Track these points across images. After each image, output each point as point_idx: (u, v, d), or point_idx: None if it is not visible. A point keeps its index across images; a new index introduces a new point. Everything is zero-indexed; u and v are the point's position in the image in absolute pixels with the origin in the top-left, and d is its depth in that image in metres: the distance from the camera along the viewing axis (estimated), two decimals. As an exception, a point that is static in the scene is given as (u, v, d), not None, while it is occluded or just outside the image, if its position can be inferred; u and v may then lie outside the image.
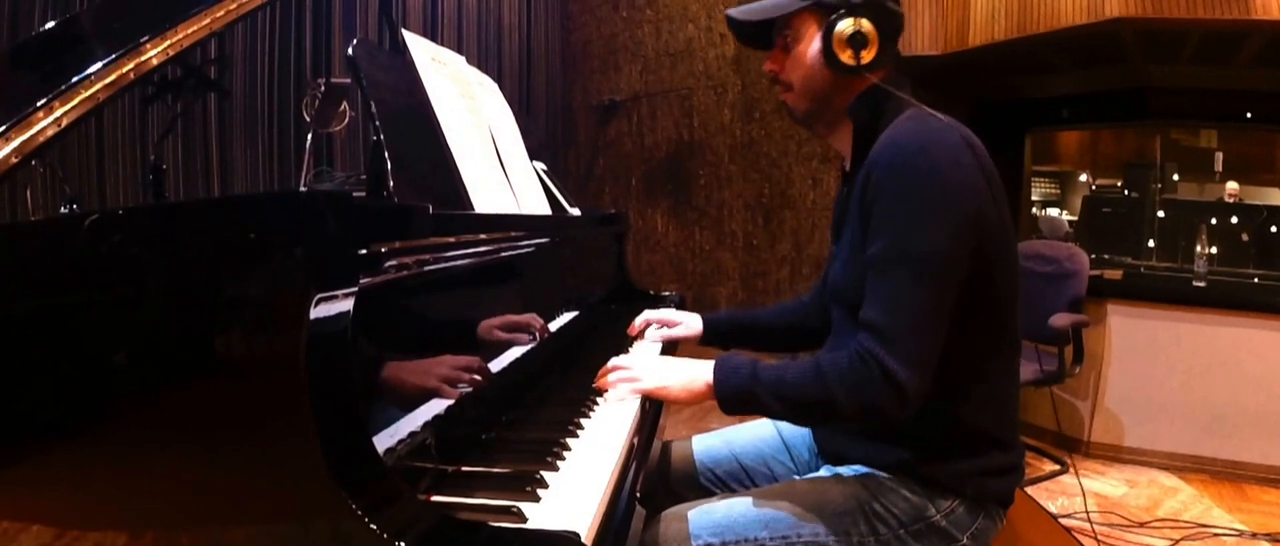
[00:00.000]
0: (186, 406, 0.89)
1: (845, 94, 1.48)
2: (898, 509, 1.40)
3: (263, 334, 0.87)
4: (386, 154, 1.30)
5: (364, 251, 0.96)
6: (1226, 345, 3.72)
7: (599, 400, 1.53)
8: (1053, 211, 5.00)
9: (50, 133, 1.15)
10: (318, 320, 0.86)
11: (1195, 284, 4.03)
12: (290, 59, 3.09)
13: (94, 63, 1.20)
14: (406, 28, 1.62)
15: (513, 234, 1.55)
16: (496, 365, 1.44)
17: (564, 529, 0.96)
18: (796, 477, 1.62)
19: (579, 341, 2.04)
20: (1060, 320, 3.41)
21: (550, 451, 1.24)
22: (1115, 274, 4.28)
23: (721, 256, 5.55)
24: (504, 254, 1.51)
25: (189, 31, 1.29)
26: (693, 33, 5.54)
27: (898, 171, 1.30)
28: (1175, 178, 4.60)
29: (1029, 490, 3.41)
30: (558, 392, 1.61)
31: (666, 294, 2.74)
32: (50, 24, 1.34)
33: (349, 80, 1.88)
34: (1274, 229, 4.32)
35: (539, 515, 1.03)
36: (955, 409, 1.38)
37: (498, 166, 1.73)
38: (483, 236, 1.39)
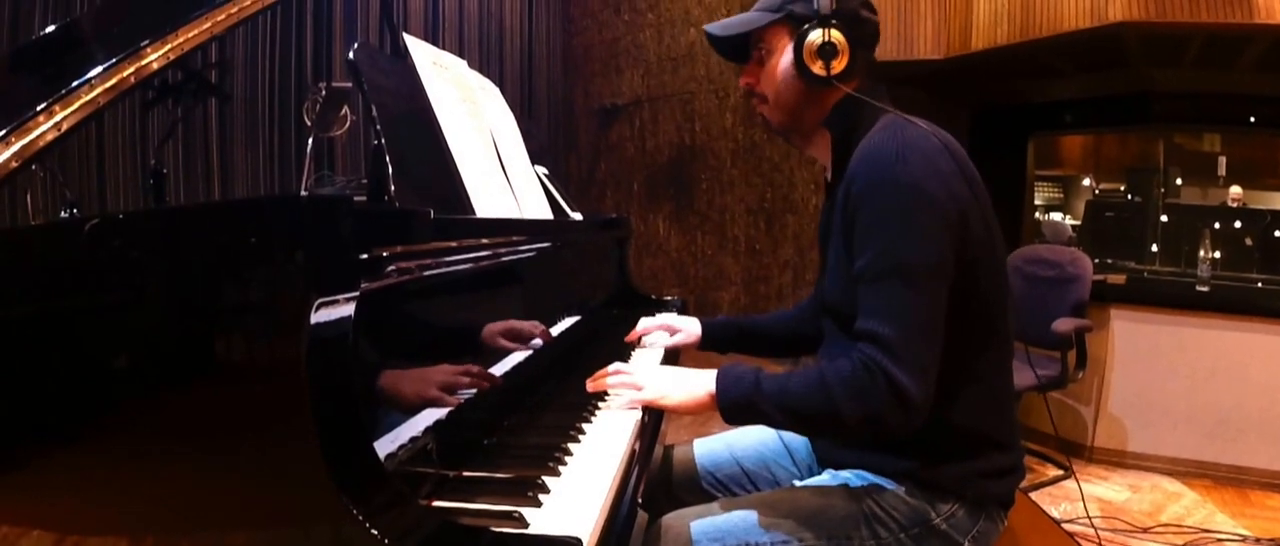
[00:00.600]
0: (187, 411, 0.88)
1: (820, 105, 1.49)
2: (898, 513, 1.40)
3: (264, 338, 0.87)
4: (388, 158, 1.30)
5: (365, 256, 0.95)
6: (1230, 350, 3.71)
7: (600, 405, 1.53)
8: (1056, 216, 4.99)
9: (50, 137, 1.15)
10: (318, 324, 0.86)
11: (1198, 288, 4.02)
12: (291, 63, 3.09)
13: (94, 66, 1.20)
14: (408, 31, 1.62)
15: (514, 238, 1.54)
16: (498, 370, 1.44)
17: (566, 534, 0.96)
18: (798, 482, 1.61)
19: (580, 346, 2.03)
20: (1063, 325, 3.40)
21: (552, 456, 1.24)
22: (1118, 278, 4.27)
23: (723, 261, 5.55)
24: (505, 259, 1.51)
25: (189, 35, 1.29)
26: (694, 37, 5.55)
27: (877, 182, 1.30)
28: (1178, 182, 4.59)
29: (1032, 495, 3.40)
30: (559, 398, 1.60)
31: (668, 299, 2.73)
32: (50, 27, 1.34)
33: (350, 84, 1.88)
34: (1277, 233, 4.31)
35: (541, 520, 1.03)
36: (952, 411, 1.37)
37: (499, 170, 1.73)
38: (484, 241, 1.39)
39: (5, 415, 0.94)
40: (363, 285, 0.94)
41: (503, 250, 1.48)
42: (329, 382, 0.86)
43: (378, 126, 1.32)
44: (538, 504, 1.07)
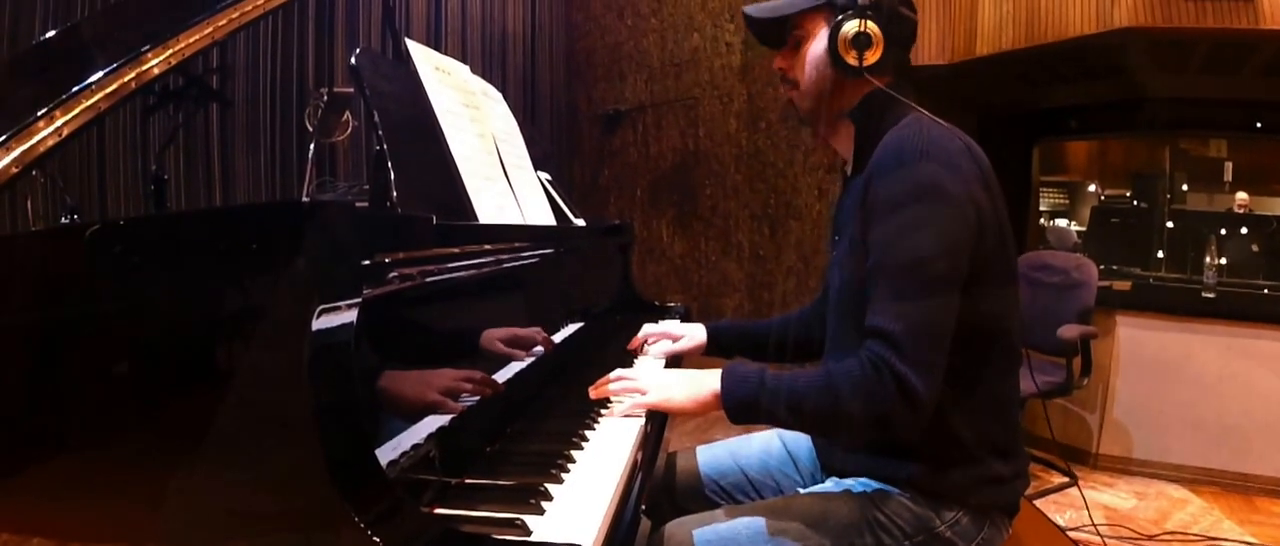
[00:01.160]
0: (188, 418, 0.88)
1: (849, 95, 1.49)
2: (902, 520, 1.39)
3: (265, 345, 0.87)
4: (390, 164, 1.30)
5: (367, 262, 0.96)
6: (1236, 356, 3.70)
7: (603, 412, 1.52)
8: (1061, 222, 4.97)
9: (51, 142, 1.15)
10: (320, 331, 0.86)
11: (1204, 295, 4.01)
12: (293, 68, 3.09)
13: (95, 72, 1.20)
14: (410, 37, 1.62)
15: (517, 245, 1.54)
16: (501, 377, 1.43)
17: (568, 542, 0.96)
18: (801, 489, 1.61)
19: (583, 353, 2.03)
20: (1068, 331, 3.39)
21: (554, 463, 1.24)
22: (1124, 285, 4.26)
23: (727, 267, 5.54)
24: (508, 265, 1.51)
25: (190, 40, 1.29)
26: (698, 42, 5.54)
27: (898, 178, 1.30)
28: (1184, 188, 4.57)
29: (1037, 502, 3.39)
30: (562, 404, 1.60)
31: (671, 305, 2.73)
32: (51, 32, 1.34)
33: (352, 90, 1.88)
34: (1284, 239, 4.30)
35: (543, 528, 1.02)
36: (957, 418, 1.37)
37: (502, 176, 1.73)
38: (487, 247, 1.39)
39: (6, 419, 0.94)
40: (365, 291, 0.94)
41: (505, 256, 1.48)
42: (331, 389, 0.86)
43: (380, 132, 1.32)
44: (541, 511, 1.07)
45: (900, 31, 1.46)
